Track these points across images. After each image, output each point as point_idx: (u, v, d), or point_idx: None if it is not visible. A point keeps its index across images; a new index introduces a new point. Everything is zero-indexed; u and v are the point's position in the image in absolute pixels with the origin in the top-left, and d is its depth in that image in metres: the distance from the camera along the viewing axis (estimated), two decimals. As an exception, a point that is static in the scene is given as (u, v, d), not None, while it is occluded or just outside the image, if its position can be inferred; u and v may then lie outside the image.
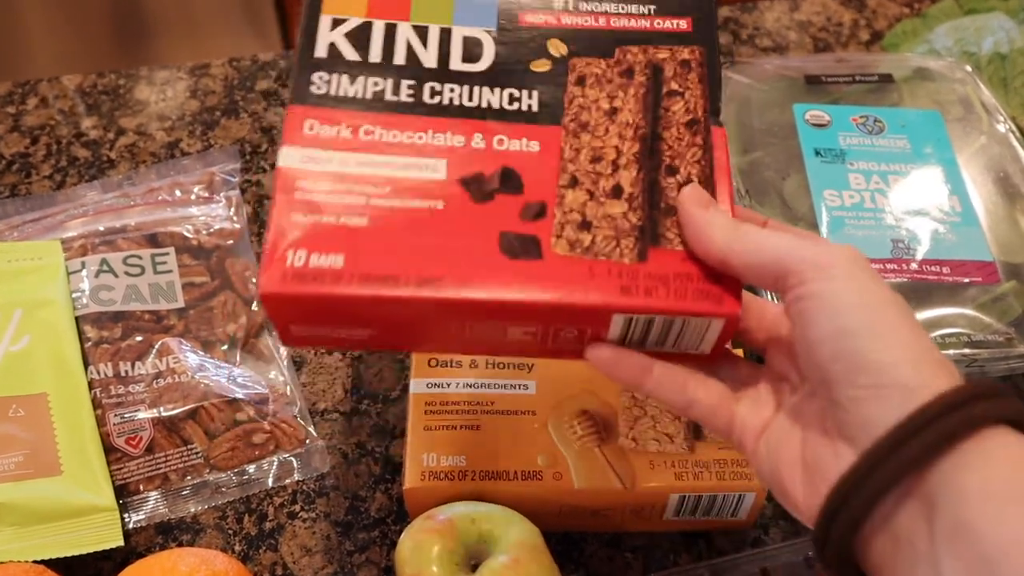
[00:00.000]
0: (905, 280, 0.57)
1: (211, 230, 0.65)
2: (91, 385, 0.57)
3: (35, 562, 0.49)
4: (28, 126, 0.76)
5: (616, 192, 0.41)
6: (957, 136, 0.64)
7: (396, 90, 0.43)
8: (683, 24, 0.45)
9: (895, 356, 0.33)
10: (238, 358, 0.61)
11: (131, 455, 0.56)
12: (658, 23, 0.45)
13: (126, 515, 0.55)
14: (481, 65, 0.44)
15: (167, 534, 0.55)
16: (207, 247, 0.65)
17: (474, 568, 0.48)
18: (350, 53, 0.43)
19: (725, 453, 0.53)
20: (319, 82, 0.42)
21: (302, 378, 0.62)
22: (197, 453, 0.57)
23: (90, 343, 0.59)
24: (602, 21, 0.45)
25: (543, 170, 0.41)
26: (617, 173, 0.42)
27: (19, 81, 0.79)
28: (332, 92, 0.42)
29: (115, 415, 0.56)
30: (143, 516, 0.55)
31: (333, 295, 0.38)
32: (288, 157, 0.40)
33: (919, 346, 0.33)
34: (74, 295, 0.60)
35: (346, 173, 0.40)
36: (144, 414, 0.56)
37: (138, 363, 0.59)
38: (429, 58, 0.44)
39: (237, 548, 0.55)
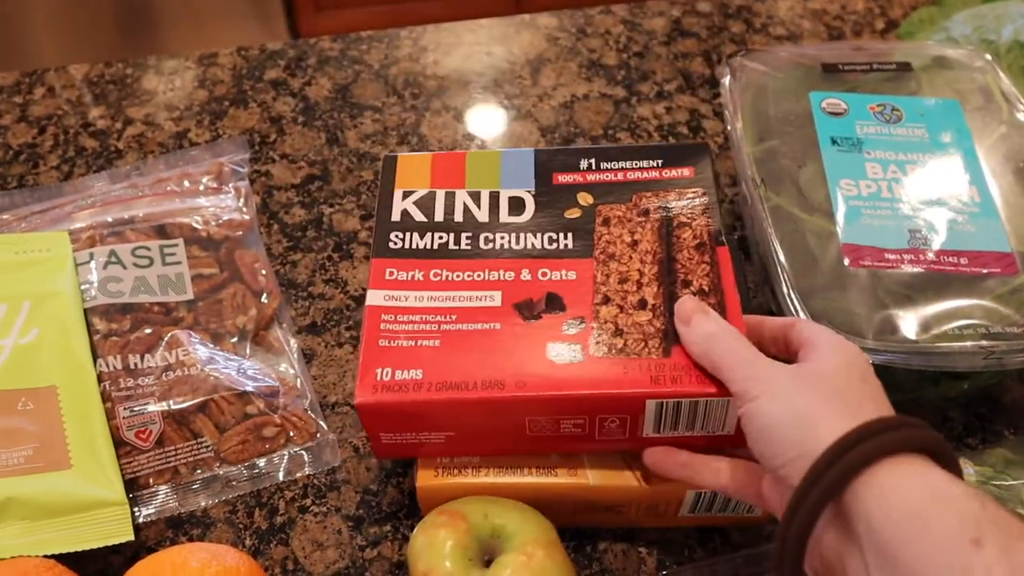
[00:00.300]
0: (921, 270, 0.56)
1: (220, 221, 0.65)
2: (100, 378, 0.56)
3: (45, 556, 0.49)
4: (35, 116, 0.76)
5: (642, 304, 0.50)
6: (976, 125, 0.63)
7: (457, 241, 0.53)
8: (686, 172, 0.55)
9: (799, 435, 0.40)
10: (248, 350, 0.60)
11: (141, 449, 0.55)
12: (666, 173, 0.55)
13: (136, 509, 0.54)
14: (525, 216, 0.54)
15: (177, 528, 0.55)
16: (216, 238, 0.64)
17: (487, 563, 0.48)
18: (419, 215, 0.54)
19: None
20: (395, 239, 0.53)
21: (312, 371, 0.61)
22: (207, 447, 0.56)
23: (99, 335, 0.58)
24: (620, 175, 0.56)
25: (580, 293, 0.50)
26: (641, 290, 0.50)
27: (26, 71, 0.79)
28: (406, 246, 0.53)
29: (124, 408, 0.56)
30: (153, 510, 0.55)
31: (415, 401, 0.47)
32: (374, 297, 0.51)
33: (817, 412, 0.40)
34: (82, 287, 0.60)
35: (420, 307, 0.50)
36: (154, 407, 0.56)
37: (147, 356, 0.58)
38: (482, 215, 0.54)
39: (248, 542, 0.55)
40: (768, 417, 0.41)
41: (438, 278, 0.52)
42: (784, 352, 0.47)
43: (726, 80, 0.66)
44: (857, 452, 0.37)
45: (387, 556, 0.54)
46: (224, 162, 0.69)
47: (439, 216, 0.55)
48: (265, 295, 0.63)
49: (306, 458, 0.57)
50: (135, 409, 0.56)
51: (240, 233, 0.65)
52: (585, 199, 0.55)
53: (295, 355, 0.61)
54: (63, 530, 0.51)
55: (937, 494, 0.36)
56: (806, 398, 0.41)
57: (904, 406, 0.60)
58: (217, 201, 0.66)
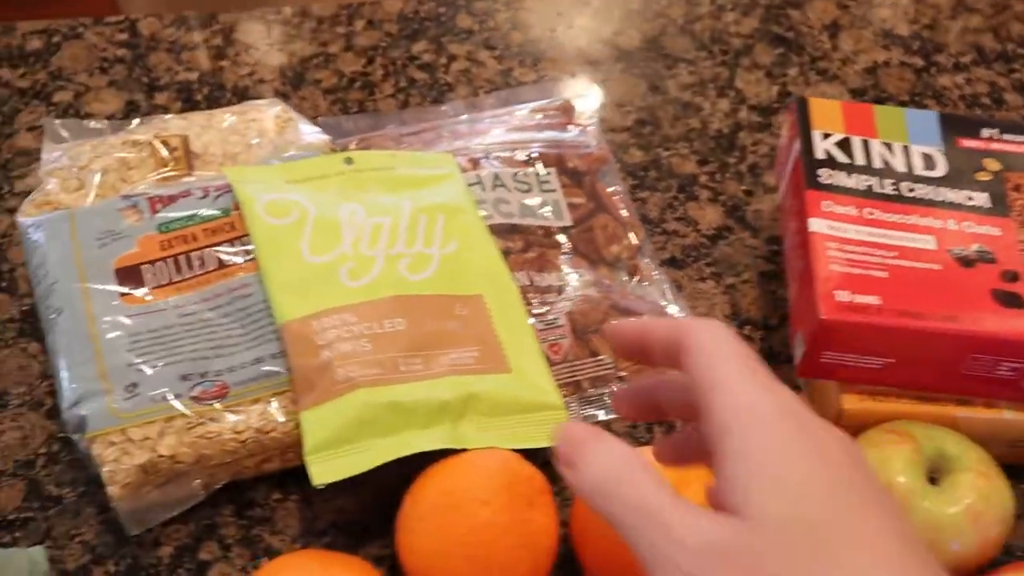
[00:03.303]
0: None
1: (580, 154, 0.67)
2: (512, 292, 0.59)
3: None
4: (361, 46, 0.78)
5: None
6: None
7: (881, 185, 0.57)
8: None
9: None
10: (623, 278, 0.63)
11: (553, 361, 0.58)
12: None
13: (550, 417, 0.57)
14: (937, 172, 0.58)
15: (583, 438, 0.57)
16: (580, 170, 0.67)
17: (931, 482, 0.50)
18: (841, 157, 0.58)
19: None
20: (824, 175, 0.57)
21: (679, 303, 0.64)
22: (607, 364, 0.59)
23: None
24: None
25: (1006, 248, 0.55)
26: None
27: (343, 3, 0.81)
28: (834, 183, 0.57)
29: (538, 322, 0.58)
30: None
31: (874, 324, 0.51)
32: (817, 225, 0.55)
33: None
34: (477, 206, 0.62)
35: (861, 239, 0.54)
36: (563, 322, 0.59)
37: (544, 275, 0.61)
38: (898, 164, 0.58)
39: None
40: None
41: (871, 216, 0.55)
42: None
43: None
44: None
45: (786, 477, 0.57)
46: (572, 100, 0.71)
47: (860, 160, 0.58)
48: (630, 231, 0.65)
49: (702, 380, 0.60)
50: (547, 321, 0.58)
51: (599, 167, 0.67)
52: (992, 165, 0.59)
53: (667, 285, 0.64)
54: (514, 427, 0.53)
55: None
56: None
57: None
58: (574, 136, 0.69)
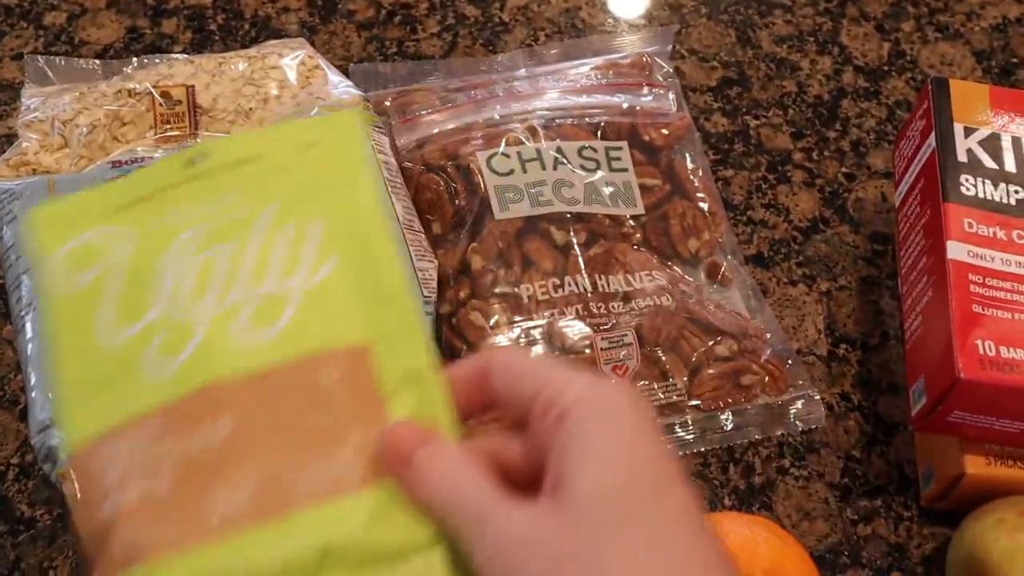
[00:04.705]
0: None
1: (656, 123, 0.57)
2: (570, 301, 0.49)
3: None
4: (404, -29, 0.67)
5: None
6: None
7: None
8: None
9: None
10: (701, 280, 0.53)
11: (616, 384, 0.49)
12: None
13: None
14: None
15: (646, 476, 0.49)
16: (656, 144, 0.56)
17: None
18: (988, 161, 0.48)
19: None
20: (966, 184, 0.47)
21: (764, 312, 0.54)
22: (677, 389, 0.50)
23: (557, 248, 0.51)
24: None
25: None
26: None
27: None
28: (979, 194, 0.47)
29: (603, 339, 0.49)
30: (624, 454, 0.49)
31: None
32: (955, 250, 0.45)
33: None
34: (533, 189, 0.52)
35: (1009, 272, 0.45)
36: (631, 339, 0.49)
37: (610, 277, 0.51)
38: None
39: (727, 502, 0.49)
40: None
41: (1022, 241, 0.45)
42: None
43: None
44: None
45: (882, 535, 0.48)
46: (649, 54, 0.60)
47: (1010, 165, 0.48)
48: (708, 215, 0.55)
49: (791, 413, 0.50)
50: (613, 339, 0.49)
51: (677, 138, 0.57)
52: None
53: (751, 291, 0.54)
54: None
55: None
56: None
57: None
58: (649, 101, 0.58)
